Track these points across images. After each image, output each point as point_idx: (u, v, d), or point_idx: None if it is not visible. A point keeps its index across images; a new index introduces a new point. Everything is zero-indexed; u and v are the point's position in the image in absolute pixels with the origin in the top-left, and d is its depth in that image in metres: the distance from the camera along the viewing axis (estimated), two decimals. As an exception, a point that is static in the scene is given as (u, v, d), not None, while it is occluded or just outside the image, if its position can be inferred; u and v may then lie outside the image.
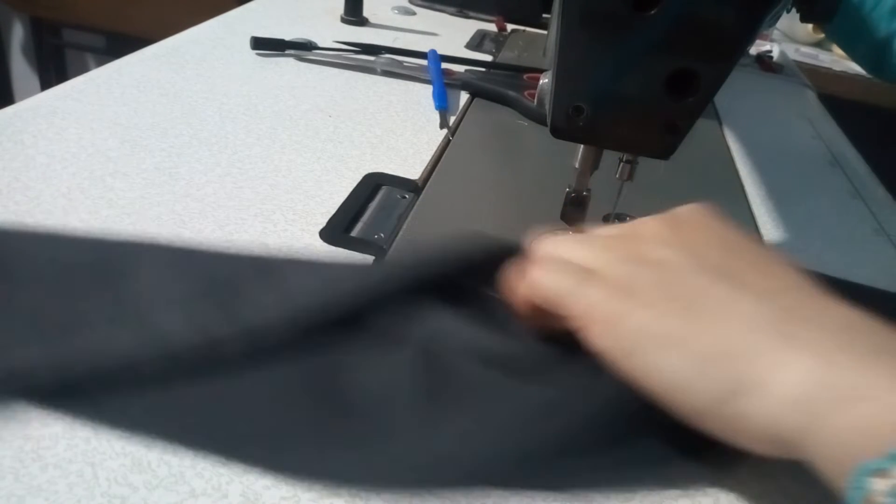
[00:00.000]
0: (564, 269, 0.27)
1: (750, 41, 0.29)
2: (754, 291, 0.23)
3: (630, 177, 0.36)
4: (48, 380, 0.24)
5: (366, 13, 0.80)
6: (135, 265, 0.29)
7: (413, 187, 0.45)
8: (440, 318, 0.28)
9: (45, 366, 0.24)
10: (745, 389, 0.21)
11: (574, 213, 0.38)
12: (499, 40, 0.83)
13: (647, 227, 0.28)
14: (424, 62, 0.66)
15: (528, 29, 0.91)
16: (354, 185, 0.44)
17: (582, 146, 0.35)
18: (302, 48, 0.65)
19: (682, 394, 0.22)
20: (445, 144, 0.52)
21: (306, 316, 0.27)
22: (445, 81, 0.62)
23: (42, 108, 0.46)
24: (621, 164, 0.35)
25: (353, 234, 0.39)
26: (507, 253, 0.30)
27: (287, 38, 0.65)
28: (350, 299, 0.27)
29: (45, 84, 1.75)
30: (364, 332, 0.27)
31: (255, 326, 0.26)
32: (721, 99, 0.73)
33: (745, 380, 0.21)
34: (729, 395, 0.21)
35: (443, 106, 0.58)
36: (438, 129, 0.55)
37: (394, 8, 0.89)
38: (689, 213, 0.28)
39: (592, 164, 0.35)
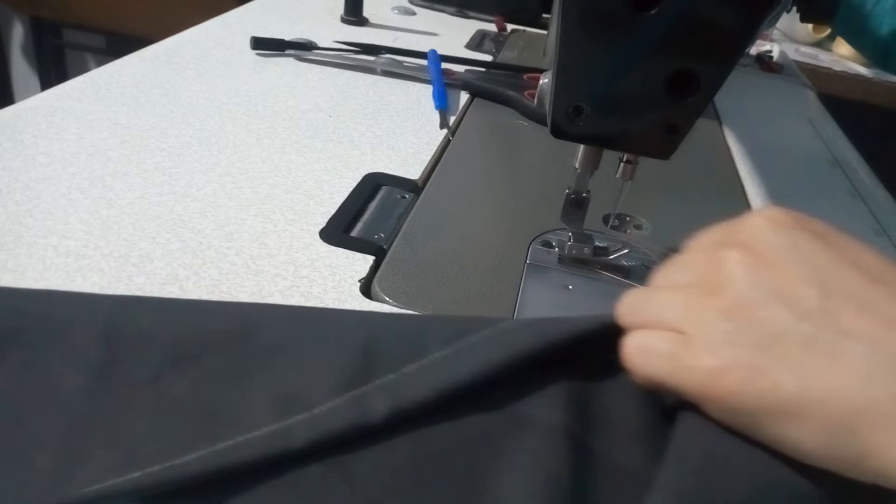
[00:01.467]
0: (658, 341, 0.24)
1: (750, 41, 0.28)
2: (862, 338, 0.21)
3: (630, 177, 0.36)
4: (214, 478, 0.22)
5: (366, 13, 0.80)
6: (279, 336, 0.27)
7: (413, 187, 0.45)
8: (575, 394, 0.26)
9: (208, 465, 0.22)
10: (871, 454, 0.20)
11: (574, 213, 0.38)
12: (499, 40, 0.83)
13: (729, 269, 0.24)
14: (424, 62, 0.66)
15: (528, 29, 0.91)
16: (354, 185, 0.44)
17: (582, 146, 0.35)
18: (302, 48, 0.65)
19: (815, 459, 0.21)
20: (445, 144, 0.52)
21: (447, 394, 0.25)
22: (445, 81, 0.62)
23: (42, 108, 0.46)
24: (621, 164, 0.35)
25: (353, 234, 0.39)
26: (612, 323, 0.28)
27: (287, 38, 0.65)
28: (493, 371, 0.26)
29: (45, 84, 1.75)
30: (498, 414, 0.26)
31: (403, 404, 0.25)
32: (721, 99, 0.73)
33: (870, 448, 0.20)
34: (859, 461, 0.21)
35: (443, 106, 0.58)
36: (438, 129, 0.55)
37: (394, 8, 0.89)
38: (768, 236, 0.24)
39: (592, 164, 0.35)
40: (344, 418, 0.24)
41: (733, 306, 0.23)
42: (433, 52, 0.67)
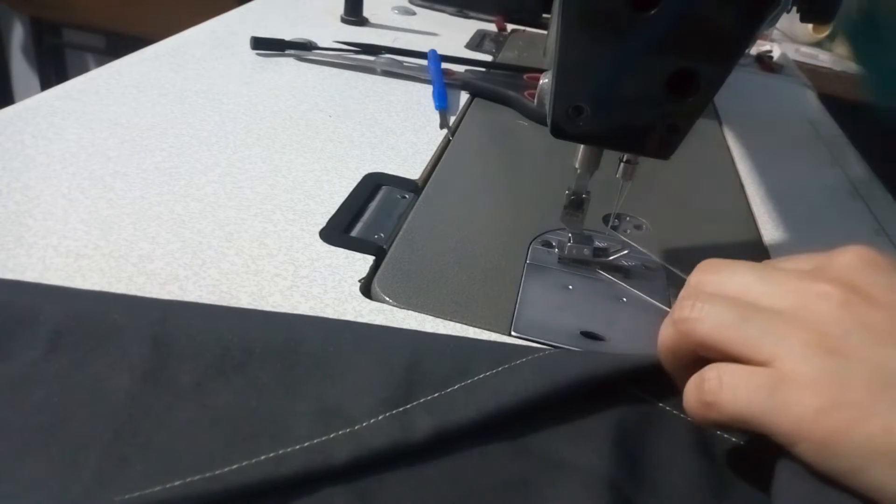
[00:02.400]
0: (751, 374, 0.22)
1: (750, 41, 0.28)
2: None
3: (630, 177, 0.36)
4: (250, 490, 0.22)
5: (366, 13, 0.80)
6: (324, 349, 0.27)
7: (413, 187, 0.45)
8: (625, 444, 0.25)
9: (246, 478, 0.22)
10: None
11: (574, 215, 0.38)
12: (499, 40, 0.83)
13: (831, 305, 0.22)
14: (424, 62, 0.66)
15: (528, 29, 0.91)
16: (354, 185, 0.44)
17: (582, 146, 0.35)
18: (302, 48, 0.65)
19: None
20: (445, 144, 0.52)
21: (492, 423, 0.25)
22: (445, 81, 0.62)
23: (42, 108, 0.46)
24: (621, 164, 0.35)
25: (353, 234, 0.39)
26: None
27: (287, 38, 0.65)
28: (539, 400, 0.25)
29: (45, 84, 1.75)
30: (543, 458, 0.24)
31: (447, 428, 0.24)
32: (721, 99, 0.73)
33: None
34: None
35: (443, 106, 0.58)
36: (438, 129, 0.55)
37: (394, 8, 0.89)
38: (867, 275, 0.23)
39: (592, 164, 0.35)
40: (386, 436, 0.24)
41: (838, 345, 0.21)
42: (433, 52, 0.67)
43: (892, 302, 0.22)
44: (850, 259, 0.23)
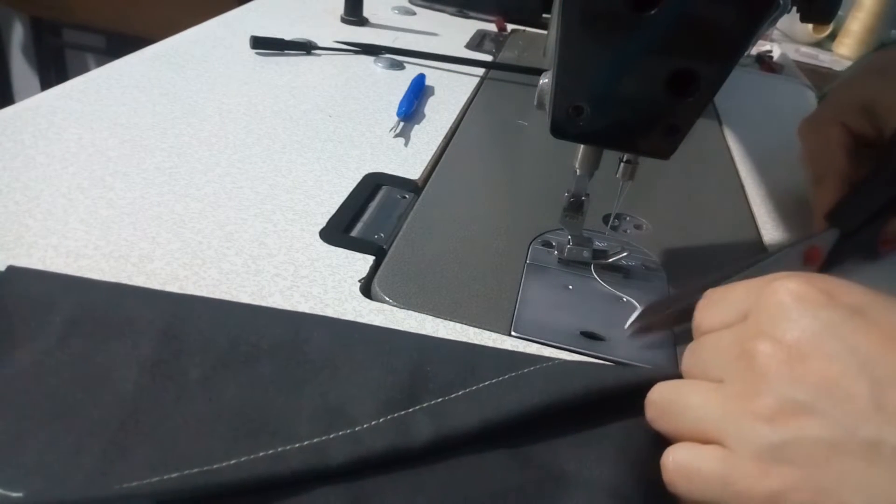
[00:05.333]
0: (703, 461, 0.22)
1: (750, 41, 0.28)
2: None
3: (630, 177, 0.36)
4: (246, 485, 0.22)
5: (366, 13, 0.80)
6: (331, 349, 0.27)
7: (413, 187, 0.45)
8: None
9: (245, 473, 0.22)
10: None
11: (573, 217, 0.37)
12: (499, 40, 0.83)
13: (762, 366, 0.21)
14: (424, 62, 0.66)
15: (528, 29, 0.91)
16: (354, 185, 0.44)
17: (582, 146, 0.35)
18: (302, 48, 0.65)
19: None
20: (445, 144, 0.52)
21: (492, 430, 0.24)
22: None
23: (42, 108, 0.46)
24: (621, 164, 0.35)
25: (353, 234, 0.39)
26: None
27: (287, 38, 0.65)
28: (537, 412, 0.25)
29: (46, 84, 1.75)
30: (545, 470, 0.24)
31: (447, 433, 0.24)
32: (721, 99, 0.73)
33: None
34: None
35: (407, 113, 0.56)
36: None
37: (394, 8, 0.89)
38: (798, 322, 0.21)
39: (592, 164, 0.35)
40: (385, 439, 0.24)
41: (775, 412, 0.20)
42: (421, 76, 0.66)
43: (824, 352, 0.20)
44: (780, 302, 0.22)
